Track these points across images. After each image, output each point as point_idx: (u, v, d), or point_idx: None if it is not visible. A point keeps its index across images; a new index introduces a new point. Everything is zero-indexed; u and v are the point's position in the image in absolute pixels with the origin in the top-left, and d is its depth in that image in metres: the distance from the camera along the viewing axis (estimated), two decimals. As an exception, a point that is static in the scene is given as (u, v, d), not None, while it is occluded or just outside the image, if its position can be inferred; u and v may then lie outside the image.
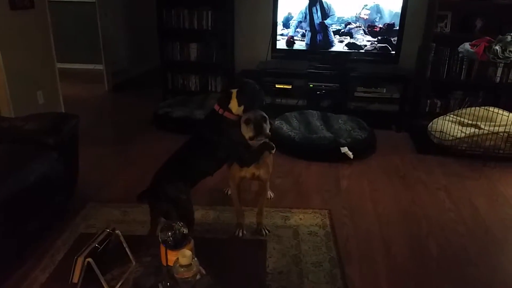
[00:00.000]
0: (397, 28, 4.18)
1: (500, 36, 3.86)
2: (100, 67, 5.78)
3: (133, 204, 2.80)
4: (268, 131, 2.29)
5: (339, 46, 4.32)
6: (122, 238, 1.62)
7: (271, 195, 2.93)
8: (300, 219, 2.68)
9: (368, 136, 3.76)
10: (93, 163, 3.41)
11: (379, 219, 2.73)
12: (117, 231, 1.63)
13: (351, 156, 3.49)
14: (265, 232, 2.50)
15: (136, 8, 6.10)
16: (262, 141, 2.30)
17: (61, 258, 1.88)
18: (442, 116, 3.95)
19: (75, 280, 1.49)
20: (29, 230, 2.33)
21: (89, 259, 1.45)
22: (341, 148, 3.51)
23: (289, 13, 4.29)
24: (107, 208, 2.77)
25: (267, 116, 2.30)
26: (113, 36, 5.69)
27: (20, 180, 2.23)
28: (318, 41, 4.33)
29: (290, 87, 4.43)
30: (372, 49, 4.27)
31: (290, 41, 4.36)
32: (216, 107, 2.33)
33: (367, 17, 4.21)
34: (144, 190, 2.18)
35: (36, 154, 2.44)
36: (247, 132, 2.26)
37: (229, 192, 2.93)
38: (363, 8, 4.19)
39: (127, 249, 1.62)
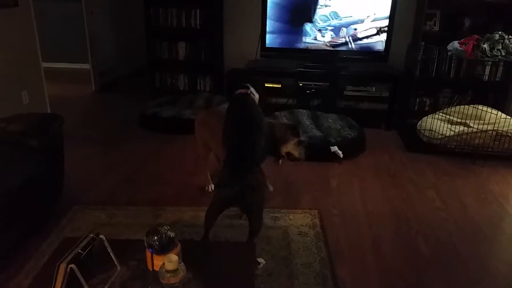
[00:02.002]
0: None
1: (488, 35, 3.88)
2: (86, 66, 5.69)
3: (119, 207, 2.77)
4: None
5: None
6: (106, 243, 1.58)
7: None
8: (290, 219, 2.65)
9: (357, 135, 3.75)
10: (79, 164, 3.35)
11: (369, 218, 2.72)
12: (101, 236, 1.58)
13: (341, 155, 3.48)
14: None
15: (123, 7, 6.02)
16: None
17: (44, 263, 1.84)
18: (431, 115, 3.96)
19: (58, 287, 1.44)
20: (13, 234, 2.27)
21: (72, 265, 1.41)
22: (331, 147, 3.49)
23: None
24: (93, 210, 2.72)
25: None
26: (100, 35, 5.60)
27: (3, 183, 2.17)
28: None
29: (279, 86, 4.40)
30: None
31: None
32: None
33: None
34: (231, 188, 2.07)
35: (19, 156, 2.38)
36: (292, 148, 2.55)
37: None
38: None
39: (111, 253, 1.58)
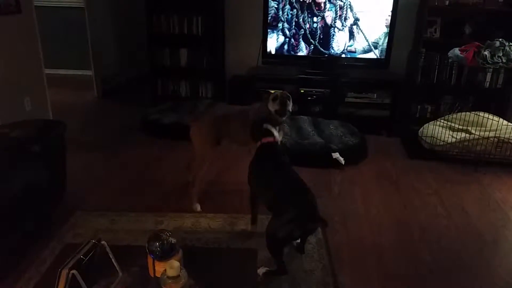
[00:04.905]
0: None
1: (489, 42, 3.89)
2: (89, 72, 5.72)
3: (121, 213, 2.76)
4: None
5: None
6: (108, 249, 1.58)
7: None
8: (292, 226, 2.64)
9: (359, 142, 3.75)
10: (81, 170, 3.36)
11: (371, 225, 2.71)
12: (102, 242, 1.59)
13: (343, 162, 3.48)
14: None
15: (125, 14, 6.06)
16: None
17: (46, 269, 1.84)
18: (433, 121, 3.96)
19: (59, 293, 1.44)
20: (14, 240, 2.27)
21: (74, 271, 1.41)
22: (333, 154, 3.49)
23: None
24: (95, 216, 2.71)
25: None
26: (102, 42, 5.63)
27: (5, 189, 2.17)
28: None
29: (281, 92, 4.41)
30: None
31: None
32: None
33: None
34: (312, 224, 2.21)
35: (21, 162, 2.38)
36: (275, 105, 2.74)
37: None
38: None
39: (113, 259, 1.58)
